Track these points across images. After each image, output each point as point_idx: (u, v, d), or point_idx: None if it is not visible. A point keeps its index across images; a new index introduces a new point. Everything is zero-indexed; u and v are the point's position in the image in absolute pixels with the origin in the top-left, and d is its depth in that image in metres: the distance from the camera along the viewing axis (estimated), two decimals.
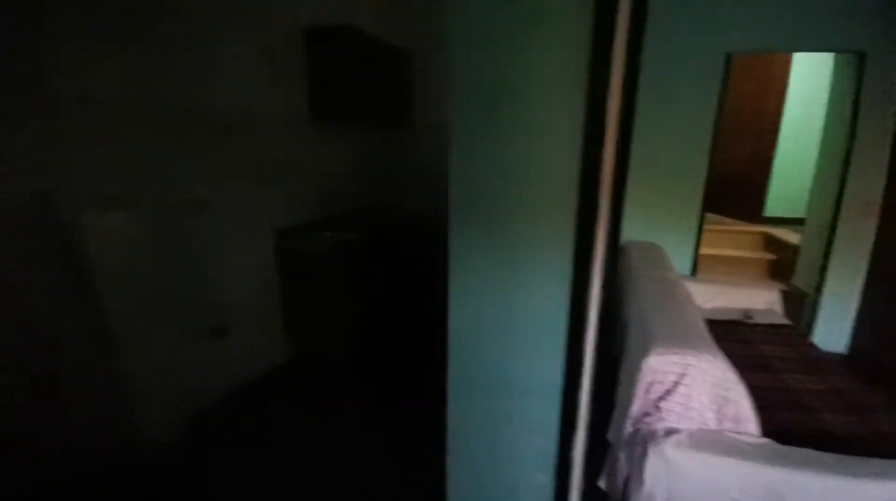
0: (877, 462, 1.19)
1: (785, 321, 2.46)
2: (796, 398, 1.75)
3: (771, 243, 3.87)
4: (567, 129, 1.05)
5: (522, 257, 1.18)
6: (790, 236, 3.66)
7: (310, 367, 2.80)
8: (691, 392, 1.29)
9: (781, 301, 2.61)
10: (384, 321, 3.01)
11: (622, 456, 1.39)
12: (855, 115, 2.70)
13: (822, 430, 1.56)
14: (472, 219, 1.21)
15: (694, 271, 3.23)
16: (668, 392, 1.31)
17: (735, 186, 4.64)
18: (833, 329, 2.99)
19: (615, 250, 1.10)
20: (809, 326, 3.06)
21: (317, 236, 2.70)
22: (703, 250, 4.01)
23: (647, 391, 1.34)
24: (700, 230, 3.16)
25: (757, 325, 2.43)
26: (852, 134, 2.72)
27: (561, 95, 1.04)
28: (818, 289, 2.99)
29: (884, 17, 2.53)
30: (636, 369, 1.36)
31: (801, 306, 3.14)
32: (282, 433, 2.19)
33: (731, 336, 2.31)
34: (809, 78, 4.00)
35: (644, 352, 1.35)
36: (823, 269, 2.95)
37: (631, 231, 3.06)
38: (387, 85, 3.30)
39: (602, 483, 1.49)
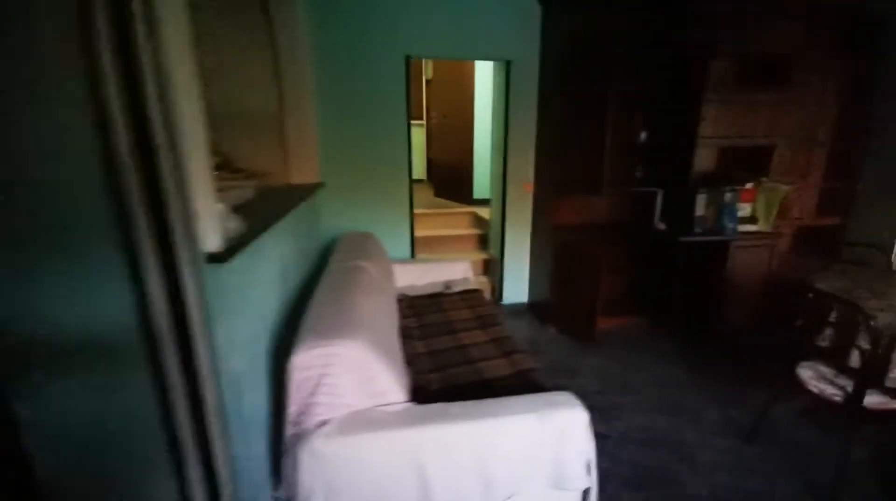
0: (490, 403, 1.42)
1: (474, 286, 2.90)
2: (467, 354, 2.05)
3: (478, 220, 4.59)
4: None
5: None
6: (487, 214, 4.41)
7: None
8: (337, 381, 1.30)
9: (472, 270, 3.08)
10: None
11: (288, 463, 1.32)
12: (507, 110, 3.36)
13: (481, 379, 1.85)
14: None
15: (413, 253, 3.54)
16: (317, 386, 1.29)
17: (454, 175, 5.37)
18: (515, 286, 3.75)
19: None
20: (501, 285, 3.76)
21: None
22: (431, 232, 4.50)
23: (299, 389, 1.29)
24: (412, 218, 3.47)
25: (454, 293, 2.79)
26: (507, 126, 3.39)
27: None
28: (502, 255, 3.68)
29: (523, 34, 3.20)
30: (286, 370, 1.30)
31: (496, 270, 3.83)
32: None
33: (431, 308, 2.59)
34: (488, 82, 4.87)
35: (291, 352, 1.30)
36: (503, 238, 3.63)
37: (349, 224, 3.14)
38: None
39: (280, 494, 1.40)
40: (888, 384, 1.50)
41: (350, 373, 1.30)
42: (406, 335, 2.24)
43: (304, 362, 1.27)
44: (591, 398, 2.46)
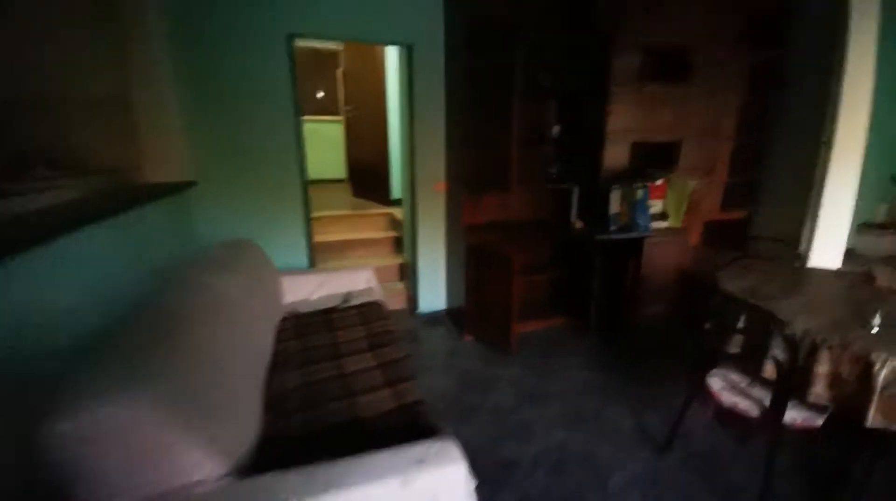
0: (343, 465, 1.07)
1: (378, 296, 2.56)
2: (347, 385, 1.70)
3: (394, 222, 4.25)
4: None
5: None
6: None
7: None
8: (105, 460, 0.90)
9: (375, 278, 2.73)
10: None
11: None
12: (412, 102, 3.05)
13: (355, 417, 1.51)
14: None
15: (312, 262, 3.13)
16: (74, 466, 0.89)
17: (371, 174, 4.98)
18: (432, 293, 3.45)
19: None
20: (416, 293, 3.45)
21: None
22: (345, 236, 4.10)
23: (48, 469, 0.88)
24: (309, 222, 3.05)
25: (351, 307, 2.43)
26: (412, 119, 3.08)
27: None
28: (415, 259, 3.37)
29: (425, 14, 2.89)
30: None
31: (412, 276, 3.51)
32: None
33: (320, 327, 2.21)
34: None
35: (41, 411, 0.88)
36: (415, 241, 3.32)
37: (233, 230, 2.67)
38: None
39: None
40: (810, 399, 1.36)
41: (123, 448, 0.91)
42: (280, 364, 1.86)
43: (54, 429, 0.86)
44: (504, 418, 2.22)
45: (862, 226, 5.01)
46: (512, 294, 2.71)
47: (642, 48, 2.96)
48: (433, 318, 3.42)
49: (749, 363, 1.56)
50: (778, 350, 1.40)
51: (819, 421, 1.43)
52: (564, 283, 3.46)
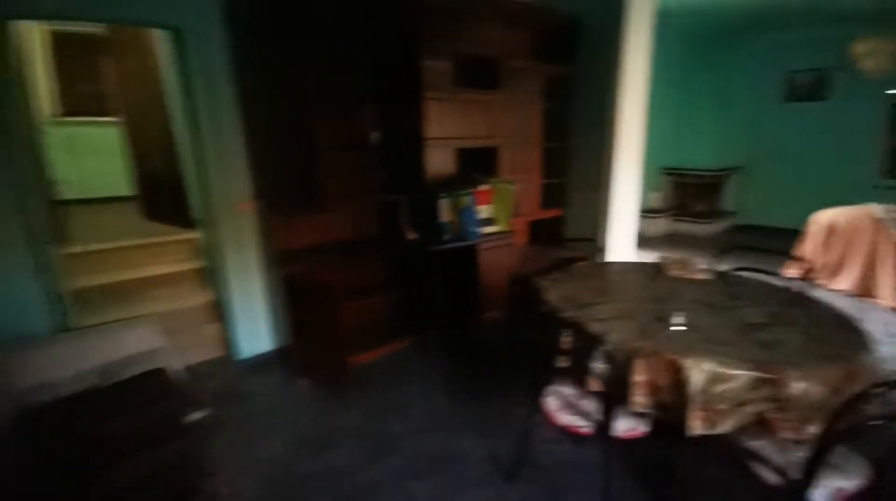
0: None
1: (161, 363, 1.93)
2: None
3: (199, 250, 3.48)
4: None
5: None
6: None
7: None
8: None
9: (160, 333, 2.09)
10: None
11: None
12: (191, 102, 2.43)
13: None
14: None
15: (67, 320, 2.28)
16: None
17: (167, 190, 4.02)
18: (253, 333, 2.88)
19: None
20: (233, 335, 2.84)
21: None
22: (134, 273, 3.17)
23: None
24: (50, 262, 2.21)
25: (115, 387, 1.77)
26: (195, 124, 2.46)
27: None
28: (225, 295, 2.77)
29: None
30: None
31: (225, 314, 2.88)
32: None
33: (62, 429, 1.53)
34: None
35: None
36: (223, 273, 2.72)
37: None
38: None
39: None
40: (634, 409, 1.34)
41: None
42: None
43: None
44: (345, 484, 1.87)
45: (643, 212, 5.99)
46: (340, 325, 2.37)
47: (454, 56, 2.89)
48: (258, 363, 2.86)
49: (577, 376, 1.53)
50: (598, 364, 1.37)
51: (646, 428, 1.45)
52: (406, 301, 3.24)
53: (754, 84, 6.30)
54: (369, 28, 2.73)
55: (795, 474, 1.20)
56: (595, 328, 1.45)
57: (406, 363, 2.84)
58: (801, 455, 1.22)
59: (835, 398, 1.18)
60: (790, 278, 2.16)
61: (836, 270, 3.98)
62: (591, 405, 1.53)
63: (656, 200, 6.69)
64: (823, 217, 4.11)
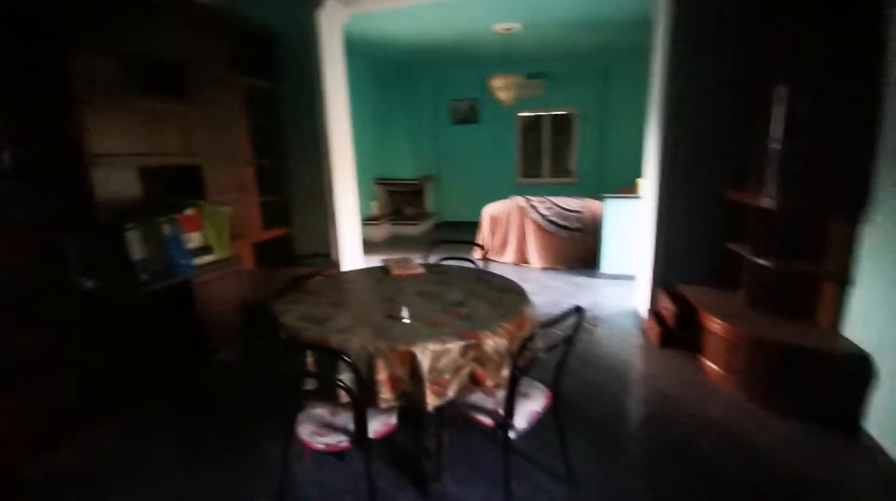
0: None
1: None
2: None
3: None
4: None
5: None
6: None
7: None
8: None
9: None
10: None
11: None
12: None
13: None
14: None
15: None
16: None
17: None
18: None
19: None
20: None
21: None
22: None
23: None
24: None
25: None
26: None
27: None
28: None
29: None
30: None
31: None
32: None
33: None
34: None
35: None
36: None
37: None
38: None
39: None
40: (382, 406, 1.42)
41: None
42: None
43: None
44: None
45: (366, 220, 6.46)
46: None
47: (119, 53, 2.37)
48: None
49: (327, 395, 1.52)
50: (345, 375, 1.41)
51: (395, 421, 1.57)
52: (104, 371, 2.45)
53: (431, 109, 7.70)
54: None
55: (501, 410, 1.55)
56: (336, 340, 1.48)
57: (122, 449, 2.13)
58: (501, 394, 1.58)
59: (513, 344, 1.58)
60: (477, 260, 2.74)
61: (502, 247, 5.36)
62: (345, 417, 1.55)
63: (376, 207, 7.35)
64: (487, 210, 5.48)
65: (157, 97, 2.57)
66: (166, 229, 2.40)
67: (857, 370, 2.04)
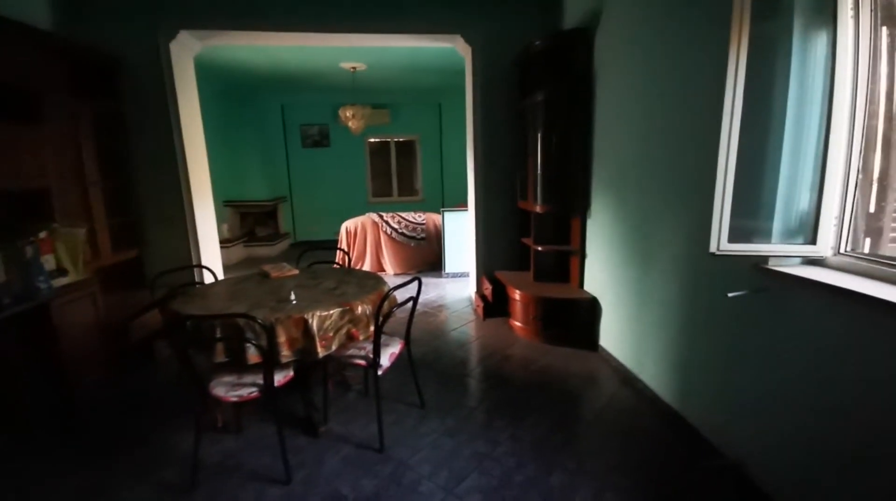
0: None
1: None
2: None
3: None
4: None
5: None
6: None
7: None
8: None
9: None
10: None
11: None
12: None
13: None
14: None
15: None
16: None
17: None
18: None
19: None
20: None
21: None
22: None
23: None
24: None
25: None
26: None
27: None
28: None
29: None
30: None
31: None
32: None
33: None
34: None
35: None
36: None
37: None
38: None
39: None
40: (283, 360, 1.95)
41: None
42: None
43: None
44: None
45: (221, 243, 6.39)
46: None
47: None
48: None
49: (236, 361, 1.96)
50: (254, 339, 1.90)
51: (291, 372, 2.09)
52: None
53: (281, 133, 7.96)
54: None
55: (371, 355, 2.20)
56: (251, 313, 1.94)
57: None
58: (370, 347, 2.24)
59: (375, 308, 2.26)
60: (341, 265, 3.35)
61: (360, 257, 6.00)
62: (251, 377, 2.01)
63: (226, 230, 7.23)
64: (345, 225, 6.08)
65: (4, 122, 2.57)
66: (29, 252, 2.43)
67: (592, 309, 3.27)
